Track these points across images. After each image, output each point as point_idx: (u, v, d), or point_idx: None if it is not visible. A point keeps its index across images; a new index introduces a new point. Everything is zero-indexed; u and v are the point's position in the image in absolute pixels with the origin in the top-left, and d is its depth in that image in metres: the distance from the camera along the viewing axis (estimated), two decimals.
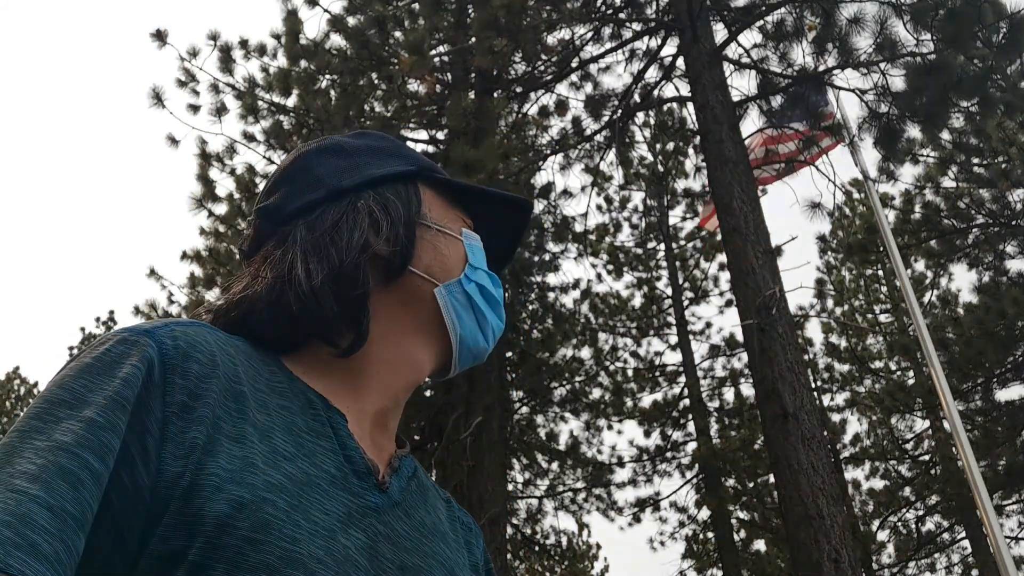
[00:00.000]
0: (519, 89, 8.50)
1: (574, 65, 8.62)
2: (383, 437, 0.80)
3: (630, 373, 13.49)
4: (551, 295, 11.42)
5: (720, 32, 7.95)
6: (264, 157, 8.32)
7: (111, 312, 19.66)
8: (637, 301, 14.30)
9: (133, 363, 0.64)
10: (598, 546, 16.10)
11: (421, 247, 0.83)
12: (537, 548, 12.66)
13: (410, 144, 8.48)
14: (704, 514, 13.20)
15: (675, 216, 14.44)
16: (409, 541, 0.74)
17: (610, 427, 12.86)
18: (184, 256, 8.81)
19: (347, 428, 0.75)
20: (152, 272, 8.93)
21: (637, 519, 13.04)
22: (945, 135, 9.82)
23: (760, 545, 13.98)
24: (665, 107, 9.45)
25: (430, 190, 0.88)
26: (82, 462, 0.57)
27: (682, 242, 14.68)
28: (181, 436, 0.63)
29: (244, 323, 0.78)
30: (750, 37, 12.46)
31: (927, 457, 13.58)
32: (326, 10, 8.31)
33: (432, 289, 0.83)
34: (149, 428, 0.62)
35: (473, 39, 7.54)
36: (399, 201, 0.84)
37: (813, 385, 12.78)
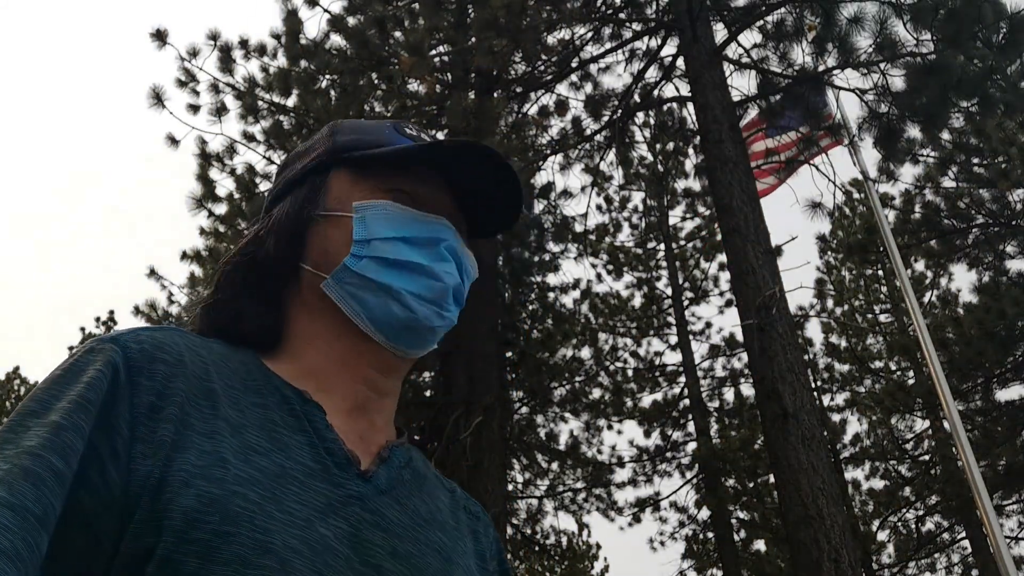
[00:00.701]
0: (519, 89, 8.49)
1: (574, 65, 8.61)
2: (370, 430, 0.81)
3: (630, 373, 13.50)
4: (551, 295, 11.42)
5: (720, 32, 7.95)
6: (264, 157, 8.31)
7: (111, 312, 19.61)
8: (637, 301, 14.31)
9: (97, 368, 0.66)
10: (598, 546, 16.09)
11: (311, 242, 0.83)
12: (537, 548, 12.65)
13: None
14: (704, 514, 13.21)
15: (675, 216, 14.45)
16: (401, 528, 0.74)
17: (610, 427, 12.86)
18: (184, 256, 8.80)
19: (325, 420, 0.75)
20: (152, 272, 8.92)
21: (637, 519, 13.04)
22: (945, 135, 9.82)
23: (760, 545, 13.97)
24: (665, 107, 9.44)
25: (347, 172, 0.86)
26: (44, 462, 0.58)
27: (682, 242, 14.68)
28: (150, 436, 0.64)
29: (213, 327, 0.83)
30: (750, 37, 12.44)
31: (927, 457, 13.58)
32: (326, 10, 8.31)
33: (320, 284, 0.82)
34: (118, 428, 0.64)
35: (473, 39, 7.53)
36: (291, 206, 0.86)
37: (813, 385, 12.78)
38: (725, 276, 13.73)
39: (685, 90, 8.30)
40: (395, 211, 0.83)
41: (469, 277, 0.87)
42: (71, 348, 19.16)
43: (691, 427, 13.21)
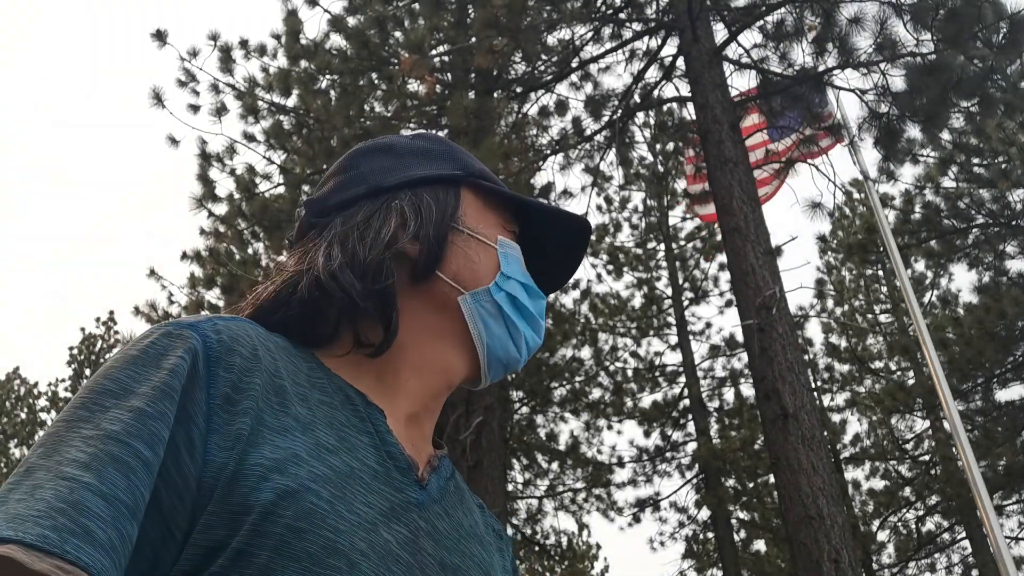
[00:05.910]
0: (519, 89, 8.49)
1: (574, 65, 8.61)
2: (419, 438, 0.81)
3: (630, 373, 13.50)
4: (551, 295, 11.42)
5: (720, 32, 7.95)
6: (264, 157, 8.31)
7: (111, 312, 19.64)
8: (637, 301, 14.32)
9: (178, 355, 0.65)
10: (598, 546, 16.09)
11: (452, 252, 0.83)
12: (537, 548, 12.66)
13: None
14: (704, 514, 13.20)
15: (675, 216, 14.46)
16: (448, 539, 0.74)
17: (610, 427, 12.87)
18: (184, 256, 8.79)
19: (386, 424, 0.75)
20: (152, 272, 8.91)
21: (637, 519, 13.03)
22: (945, 135, 9.81)
23: (760, 545, 13.98)
24: (665, 107, 9.44)
25: (473, 196, 0.87)
26: (132, 451, 0.58)
27: (682, 242, 14.69)
28: (226, 428, 0.64)
29: (278, 317, 0.79)
30: (750, 37, 12.45)
31: (927, 457, 13.57)
32: (326, 10, 8.31)
33: (457, 297, 0.82)
34: (195, 419, 0.63)
35: (473, 39, 7.53)
36: (434, 203, 0.84)
37: (813, 385, 12.78)
38: (725, 276, 13.73)
39: (685, 90, 8.29)
40: (519, 257, 0.87)
41: None
42: (71, 348, 19.15)
43: (691, 427, 13.21)
